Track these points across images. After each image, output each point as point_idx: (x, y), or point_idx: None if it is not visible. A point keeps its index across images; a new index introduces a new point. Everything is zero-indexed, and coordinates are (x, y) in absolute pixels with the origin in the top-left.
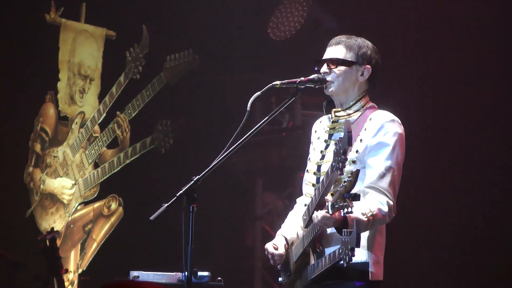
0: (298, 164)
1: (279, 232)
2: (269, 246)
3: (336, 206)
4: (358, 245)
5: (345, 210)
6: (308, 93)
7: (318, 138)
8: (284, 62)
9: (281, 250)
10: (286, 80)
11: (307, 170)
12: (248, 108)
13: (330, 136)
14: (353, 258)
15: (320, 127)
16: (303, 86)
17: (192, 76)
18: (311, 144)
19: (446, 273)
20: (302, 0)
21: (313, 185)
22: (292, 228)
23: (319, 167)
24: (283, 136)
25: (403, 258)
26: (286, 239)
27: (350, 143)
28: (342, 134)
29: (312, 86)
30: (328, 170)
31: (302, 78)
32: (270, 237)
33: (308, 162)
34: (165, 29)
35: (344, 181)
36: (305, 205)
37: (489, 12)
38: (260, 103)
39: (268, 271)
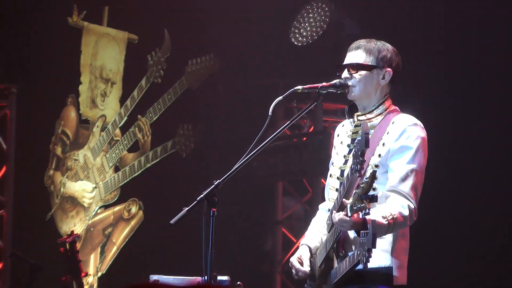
0: (318, 169)
1: (303, 241)
2: (294, 261)
3: (355, 208)
4: (374, 246)
5: (363, 211)
6: (329, 99)
7: (341, 142)
8: (305, 67)
9: (306, 267)
10: (308, 85)
11: (330, 175)
12: (269, 113)
13: (353, 140)
14: (372, 260)
15: (343, 131)
16: (325, 91)
17: (213, 81)
18: (333, 149)
19: (469, 278)
20: (323, 5)
21: (337, 190)
22: (315, 236)
23: (342, 171)
24: (304, 141)
25: (427, 262)
26: (310, 248)
27: (367, 145)
28: None
29: (334, 91)
30: (347, 173)
31: (324, 83)
32: (290, 242)
33: (331, 166)
34: (187, 33)
35: (362, 183)
36: (329, 210)
37: None
38: (281, 108)
39: (288, 275)
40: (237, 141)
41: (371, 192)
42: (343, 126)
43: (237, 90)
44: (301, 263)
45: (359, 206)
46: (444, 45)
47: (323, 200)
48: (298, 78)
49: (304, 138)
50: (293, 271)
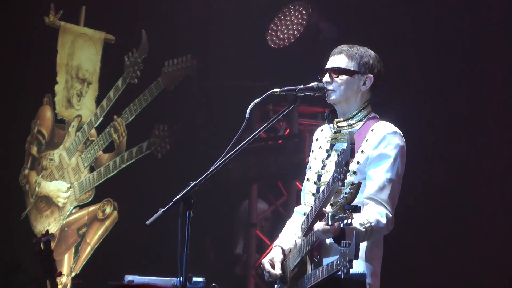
0: (293, 172)
1: (276, 243)
2: (265, 263)
3: (336, 217)
4: (356, 257)
5: (345, 221)
6: (305, 102)
7: (320, 147)
8: (282, 70)
9: (277, 270)
10: (285, 88)
11: (307, 179)
12: (247, 115)
13: (332, 146)
14: (351, 270)
15: (322, 136)
16: (302, 94)
17: (190, 82)
18: (311, 153)
19: (443, 284)
20: (301, 8)
21: (313, 194)
22: (289, 237)
23: (319, 176)
24: (279, 144)
25: (400, 269)
26: (283, 250)
27: (352, 155)
28: (344, 145)
29: (312, 94)
30: (329, 181)
31: (302, 86)
32: (264, 244)
33: (308, 170)
34: (164, 34)
35: (346, 193)
36: (304, 214)
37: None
38: (257, 111)
39: (262, 279)
40: (212, 142)
41: (355, 202)
42: (322, 130)
43: (214, 92)
44: (273, 266)
45: (341, 215)
46: (423, 48)
47: (299, 203)
48: (275, 80)
49: (280, 141)
50: (265, 273)
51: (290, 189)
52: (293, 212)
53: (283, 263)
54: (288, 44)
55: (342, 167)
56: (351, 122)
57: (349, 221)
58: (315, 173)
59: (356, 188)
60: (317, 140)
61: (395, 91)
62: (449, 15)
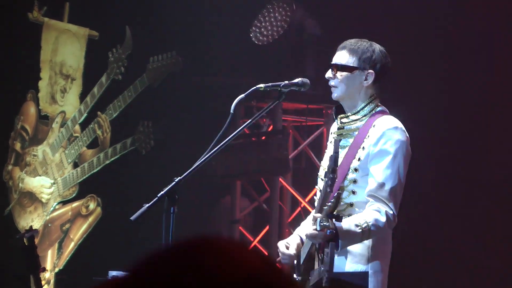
0: (277, 168)
1: (296, 231)
2: (280, 245)
3: (322, 224)
4: (331, 269)
5: (328, 230)
6: (289, 98)
7: (330, 142)
8: (266, 67)
9: (292, 250)
10: (270, 83)
11: (318, 174)
12: (231, 111)
13: (337, 142)
14: (328, 281)
15: (333, 130)
16: (287, 90)
17: (174, 78)
18: (327, 146)
19: (453, 282)
20: (285, 5)
21: (320, 190)
22: (308, 227)
23: (326, 173)
24: (262, 140)
25: (410, 266)
26: (301, 238)
27: (336, 164)
28: (348, 141)
29: (296, 89)
30: (324, 185)
31: (286, 82)
32: (247, 240)
33: (321, 166)
34: (149, 30)
35: (329, 203)
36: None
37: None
38: (241, 107)
39: None
40: (197, 139)
41: (353, 198)
42: (335, 125)
43: (198, 88)
44: (288, 248)
45: (325, 224)
46: (407, 44)
47: (283, 199)
48: (259, 77)
49: (263, 137)
50: (280, 254)
51: (273, 185)
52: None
53: (299, 248)
54: (272, 40)
55: (329, 174)
56: (356, 117)
57: (332, 230)
58: (323, 169)
59: (337, 199)
60: (331, 134)
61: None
62: (439, 9)
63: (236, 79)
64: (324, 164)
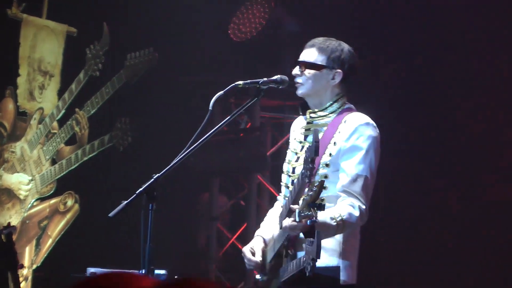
0: (255, 165)
1: (257, 233)
2: (246, 251)
3: (302, 214)
4: (318, 256)
5: (309, 220)
6: (267, 95)
7: (295, 138)
8: (244, 63)
9: (258, 257)
10: (249, 80)
11: (283, 171)
12: (210, 108)
13: (305, 137)
14: (314, 269)
15: (298, 127)
16: (265, 87)
17: (152, 75)
18: (289, 143)
19: (420, 275)
20: (263, 2)
21: (287, 186)
22: (270, 227)
23: (293, 168)
24: (240, 137)
25: (377, 261)
26: (264, 240)
27: (317, 153)
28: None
29: (275, 86)
30: (298, 177)
31: (265, 79)
32: (225, 238)
33: (285, 163)
34: (126, 27)
35: (310, 191)
36: (281, 206)
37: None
38: (219, 104)
39: (222, 272)
40: (174, 136)
41: (324, 193)
42: (298, 122)
43: (176, 84)
44: (253, 254)
45: (306, 213)
46: (384, 42)
47: (263, 196)
48: (237, 74)
49: (241, 134)
50: (246, 260)
51: (251, 182)
52: (276, 200)
53: (263, 252)
54: (251, 37)
55: (308, 164)
56: (323, 113)
57: (314, 219)
58: (291, 165)
59: (320, 186)
60: (294, 131)
61: (366, 85)
62: (417, 7)
63: (214, 76)
64: (289, 160)
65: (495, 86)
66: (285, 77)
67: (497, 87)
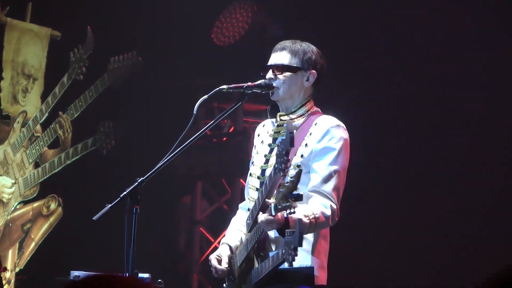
0: (238, 169)
1: (223, 240)
2: (212, 259)
3: (279, 207)
4: (300, 244)
5: (288, 210)
6: (250, 100)
7: (262, 142)
8: (228, 68)
9: (224, 264)
10: (233, 85)
11: (250, 174)
12: (194, 112)
13: (274, 140)
14: (296, 258)
15: (264, 131)
16: (249, 91)
17: (136, 79)
18: (254, 148)
19: (389, 277)
20: (246, 6)
21: (257, 189)
22: (235, 234)
23: (263, 171)
24: (223, 141)
25: (347, 263)
26: (230, 247)
27: (292, 144)
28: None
29: (259, 91)
30: (271, 172)
31: (249, 83)
32: (208, 241)
33: (251, 166)
34: (110, 31)
35: (287, 182)
36: (249, 209)
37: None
38: (203, 108)
39: (205, 275)
40: (157, 140)
41: (298, 191)
42: (263, 126)
43: (159, 88)
44: (220, 262)
45: (283, 205)
46: (366, 45)
47: (243, 199)
48: (221, 78)
49: (224, 138)
50: (212, 269)
51: (234, 186)
52: (238, 209)
53: (230, 260)
54: (234, 41)
55: (283, 157)
56: (293, 116)
57: (292, 209)
58: (259, 167)
59: (297, 176)
60: (259, 135)
61: (339, 87)
62: (394, 10)
63: (198, 80)
64: (257, 163)
65: (469, 81)
66: (270, 82)
67: (471, 81)
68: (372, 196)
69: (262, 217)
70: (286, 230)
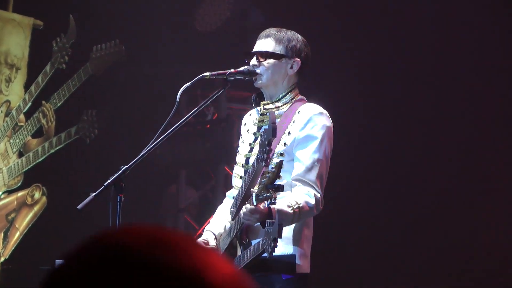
0: (222, 156)
1: (207, 228)
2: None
3: (260, 197)
4: (280, 236)
5: (269, 201)
6: (233, 87)
7: (247, 131)
8: (210, 54)
9: (212, 244)
10: (215, 72)
11: (236, 163)
12: (178, 99)
13: (259, 128)
14: (275, 249)
15: (250, 119)
16: (232, 78)
17: (118, 67)
18: (240, 137)
19: (373, 267)
20: None
21: (241, 177)
22: (220, 222)
23: (247, 159)
24: (207, 129)
25: (330, 251)
26: (214, 234)
27: (274, 135)
28: None
29: (242, 78)
30: (253, 162)
31: (232, 70)
32: (193, 229)
33: (237, 154)
34: (92, 19)
35: (268, 172)
36: (233, 197)
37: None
38: (186, 96)
39: None
40: (141, 128)
41: (278, 181)
42: (250, 115)
43: (142, 76)
44: (207, 244)
45: (265, 195)
46: (349, 33)
47: (230, 187)
48: (202, 65)
49: (208, 126)
50: None
51: (218, 173)
52: (225, 196)
53: (214, 246)
54: (215, 28)
55: (265, 147)
56: (278, 104)
57: (273, 200)
58: (243, 156)
59: (278, 167)
60: (245, 124)
61: (324, 75)
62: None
63: (181, 67)
64: (242, 151)
65: (456, 81)
66: (253, 69)
67: (461, 80)
68: (360, 184)
69: (244, 209)
70: (267, 220)
